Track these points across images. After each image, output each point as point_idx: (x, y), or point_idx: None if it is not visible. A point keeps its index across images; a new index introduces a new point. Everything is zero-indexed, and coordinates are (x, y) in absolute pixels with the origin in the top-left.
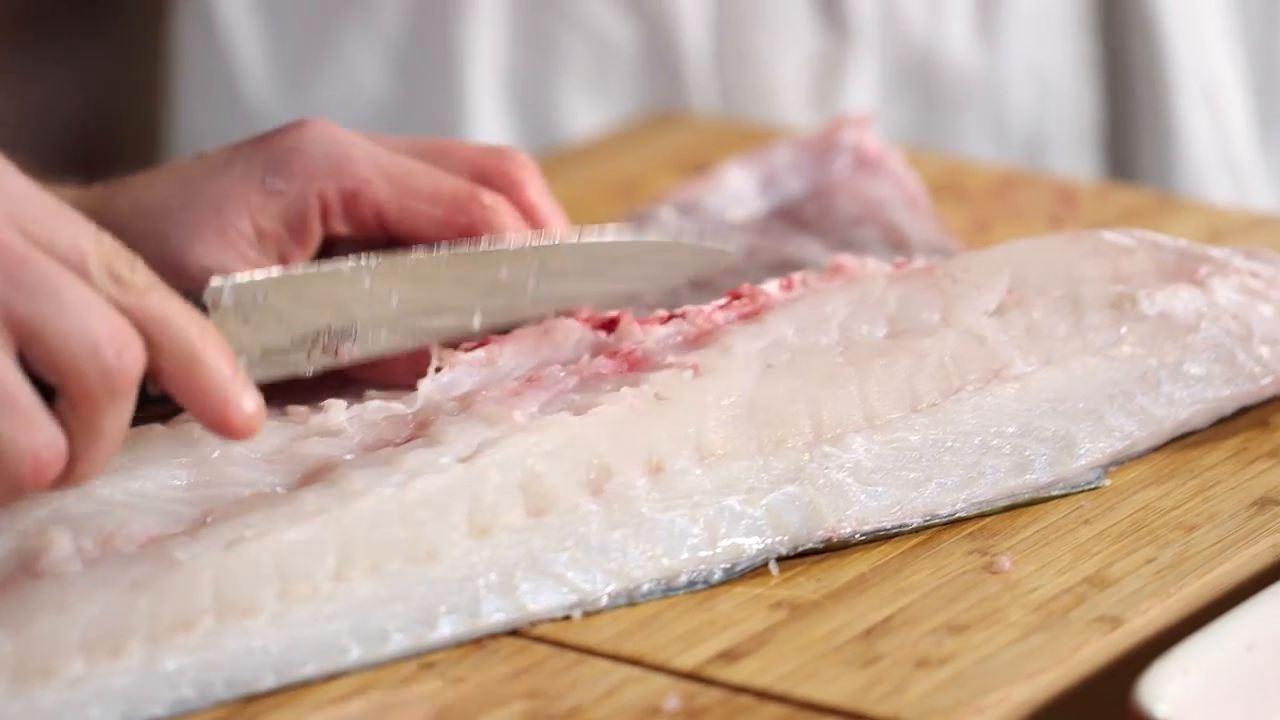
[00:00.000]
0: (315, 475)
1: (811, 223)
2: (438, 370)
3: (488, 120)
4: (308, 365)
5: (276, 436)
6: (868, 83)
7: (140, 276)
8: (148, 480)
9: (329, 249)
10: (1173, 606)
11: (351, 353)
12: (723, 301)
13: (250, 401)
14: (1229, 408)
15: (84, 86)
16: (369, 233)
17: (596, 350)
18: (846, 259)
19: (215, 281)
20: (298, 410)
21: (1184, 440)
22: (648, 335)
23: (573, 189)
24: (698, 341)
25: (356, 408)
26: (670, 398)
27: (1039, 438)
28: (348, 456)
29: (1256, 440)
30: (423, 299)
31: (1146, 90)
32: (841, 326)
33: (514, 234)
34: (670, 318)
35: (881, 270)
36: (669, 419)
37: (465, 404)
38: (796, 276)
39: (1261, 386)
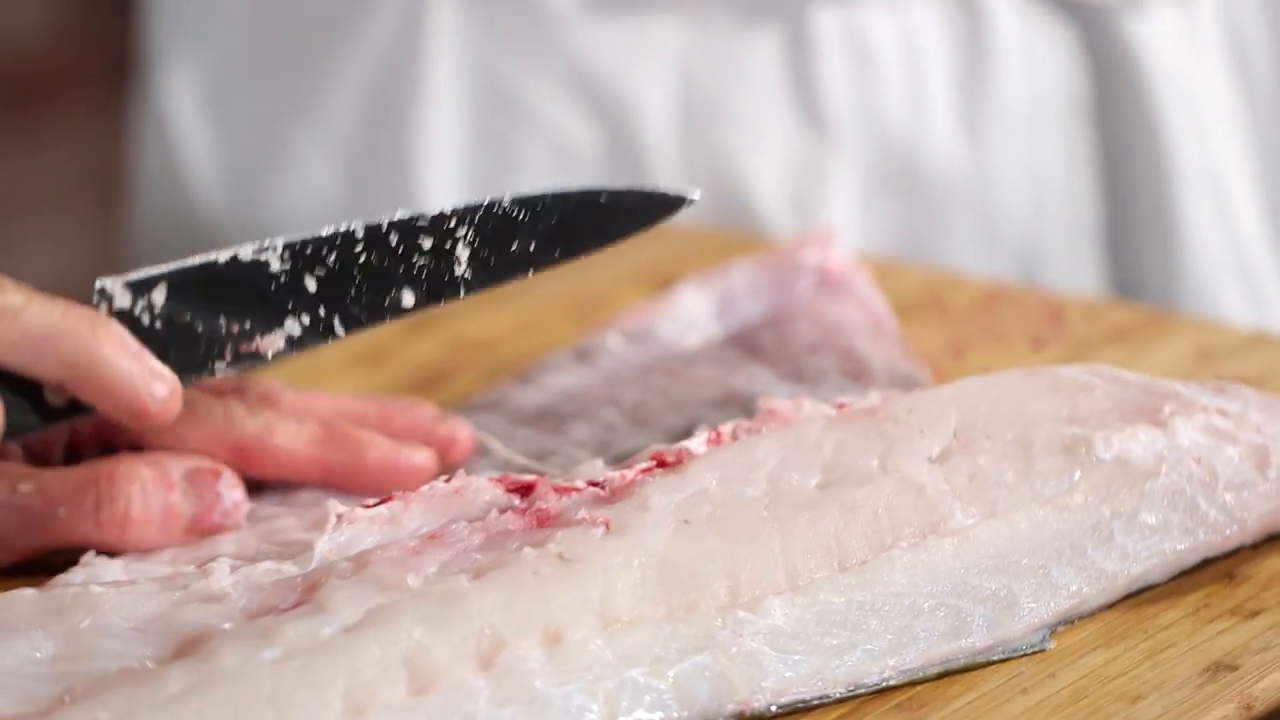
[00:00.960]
0: (190, 646)
1: (767, 351)
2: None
3: None
4: (228, 367)
5: (154, 602)
6: (849, 186)
7: (10, 297)
8: (6, 655)
9: None
10: None
11: (275, 347)
12: (645, 466)
13: (161, 386)
14: (1190, 560)
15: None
16: None
17: (507, 508)
18: (779, 403)
19: (101, 282)
20: (183, 573)
21: (1140, 596)
22: (562, 500)
23: (528, 309)
24: (614, 496)
25: (244, 570)
26: (575, 559)
27: (977, 597)
28: (227, 625)
29: (1219, 596)
30: (343, 279)
31: (1148, 189)
32: (770, 476)
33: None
34: (589, 485)
35: (819, 412)
36: (572, 582)
37: (360, 564)
38: (725, 430)
39: (1225, 537)
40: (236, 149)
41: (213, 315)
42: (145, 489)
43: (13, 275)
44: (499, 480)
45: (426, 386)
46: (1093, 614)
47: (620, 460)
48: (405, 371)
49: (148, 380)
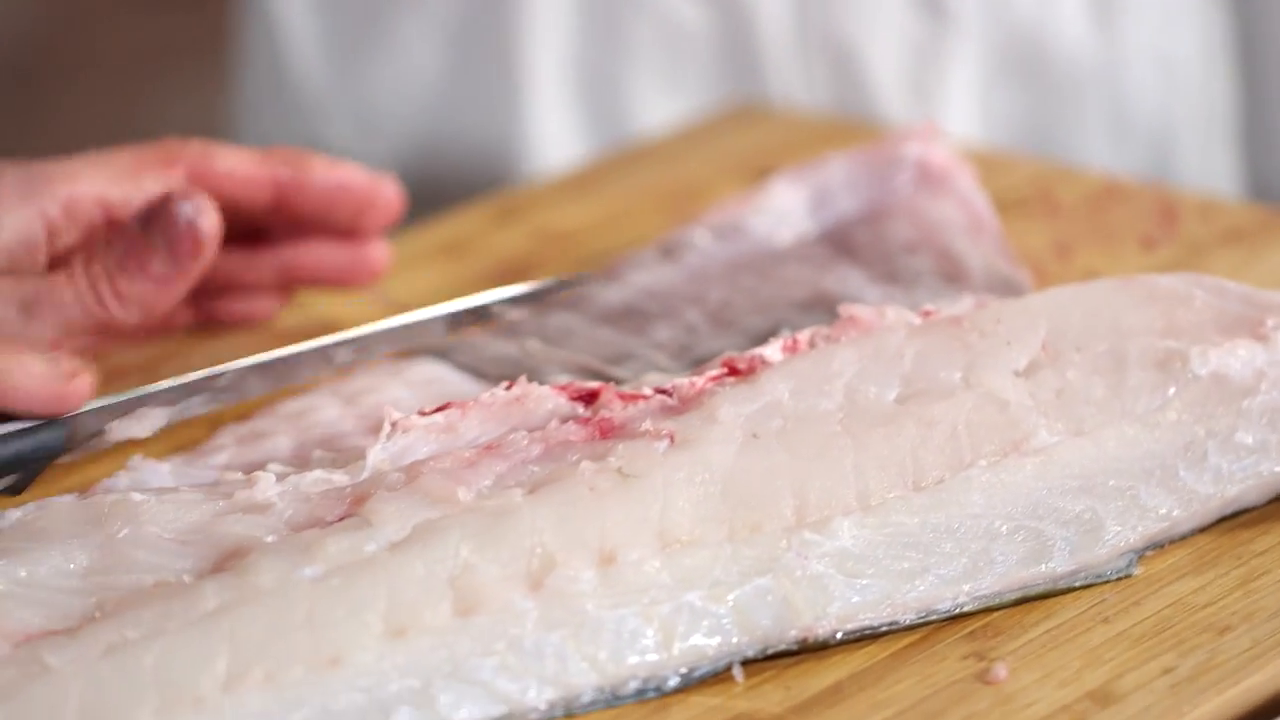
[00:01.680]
0: (229, 560)
1: (861, 249)
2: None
3: (550, 111)
4: None
5: (196, 512)
6: (969, 72)
7: None
8: (39, 565)
9: None
10: None
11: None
12: (716, 373)
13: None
14: None
15: None
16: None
17: (570, 418)
18: (861, 310)
19: None
20: (229, 480)
21: (1234, 520)
22: (627, 410)
23: (616, 199)
24: (682, 407)
25: (292, 479)
26: (635, 474)
27: (1060, 520)
28: (269, 538)
29: None
30: None
31: None
32: (847, 388)
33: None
34: (657, 393)
35: (902, 320)
36: (631, 500)
37: (411, 475)
38: (803, 338)
39: None
40: (338, 28)
41: None
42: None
43: (138, 127)
44: (563, 388)
45: (509, 278)
46: (1183, 538)
47: (699, 364)
48: (488, 263)
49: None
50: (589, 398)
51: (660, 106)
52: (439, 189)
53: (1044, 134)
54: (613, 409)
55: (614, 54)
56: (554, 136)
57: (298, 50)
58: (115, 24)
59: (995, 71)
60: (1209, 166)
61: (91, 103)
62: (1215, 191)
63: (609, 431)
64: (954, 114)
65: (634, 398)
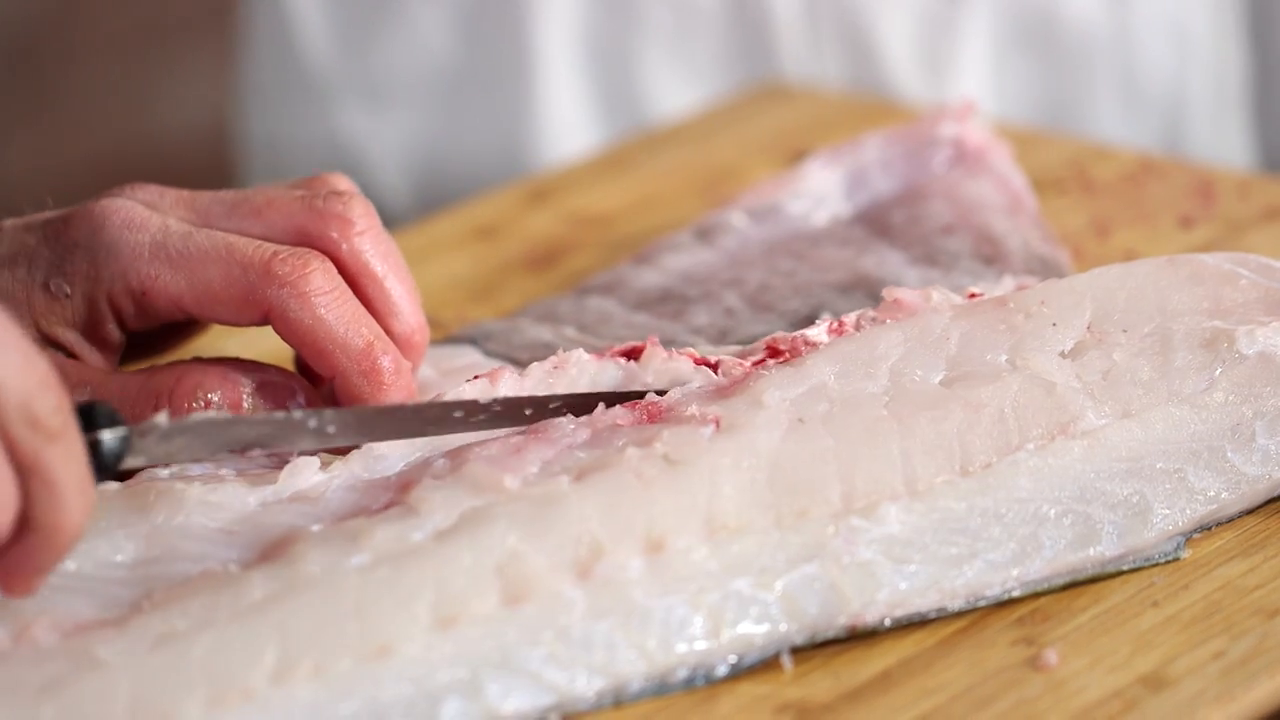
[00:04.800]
0: (276, 550)
1: (898, 231)
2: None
3: (562, 88)
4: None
5: (241, 500)
6: (982, 44)
7: (56, 420)
8: (86, 557)
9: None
10: (1237, 714)
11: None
12: (759, 356)
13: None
14: None
15: None
16: (174, 319)
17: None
18: (905, 293)
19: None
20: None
21: None
22: (674, 363)
23: (649, 182)
24: (729, 390)
25: (337, 465)
26: (681, 460)
27: (1108, 503)
28: (315, 527)
29: None
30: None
31: None
32: (892, 370)
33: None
34: (701, 363)
35: (947, 302)
36: (677, 487)
37: (457, 462)
38: (849, 320)
39: None
40: (348, 7)
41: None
42: (209, 409)
43: (145, 104)
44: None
45: (542, 263)
46: (1231, 521)
47: (739, 349)
48: (521, 247)
49: (40, 576)
50: (633, 354)
51: (673, 84)
52: (451, 170)
53: (1057, 106)
54: (656, 358)
55: (626, 33)
56: (566, 117)
57: (307, 30)
58: (119, 2)
59: (1007, 44)
60: (1221, 137)
61: (95, 83)
62: (1238, 166)
63: (656, 416)
64: (967, 87)
65: (681, 353)
